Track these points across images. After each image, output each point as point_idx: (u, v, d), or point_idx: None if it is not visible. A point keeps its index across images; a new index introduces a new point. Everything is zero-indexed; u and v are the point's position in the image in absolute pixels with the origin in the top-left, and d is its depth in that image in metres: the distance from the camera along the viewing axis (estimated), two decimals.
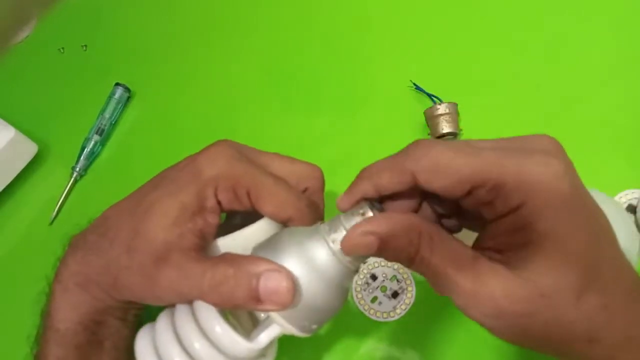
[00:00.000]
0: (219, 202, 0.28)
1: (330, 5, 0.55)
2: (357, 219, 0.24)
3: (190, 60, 0.54)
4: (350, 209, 0.24)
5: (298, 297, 0.24)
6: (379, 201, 0.25)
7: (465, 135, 0.45)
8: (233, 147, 0.29)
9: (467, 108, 0.45)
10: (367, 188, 0.24)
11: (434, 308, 0.39)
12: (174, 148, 0.50)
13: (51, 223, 0.48)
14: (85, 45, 0.57)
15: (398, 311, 0.39)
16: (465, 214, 0.25)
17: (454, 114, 0.44)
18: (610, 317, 0.20)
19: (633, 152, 0.43)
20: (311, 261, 0.24)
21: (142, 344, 0.28)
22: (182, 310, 0.27)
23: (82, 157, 0.49)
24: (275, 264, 0.24)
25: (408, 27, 0.52)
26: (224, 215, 0.30)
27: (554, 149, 0.22)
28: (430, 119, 0.44)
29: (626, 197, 0.40)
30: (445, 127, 0.44)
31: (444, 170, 0.22)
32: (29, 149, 0.48)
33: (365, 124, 0.48)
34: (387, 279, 0.40)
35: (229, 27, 0.56)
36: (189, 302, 0.27)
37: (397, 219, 0.22)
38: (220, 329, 0.25)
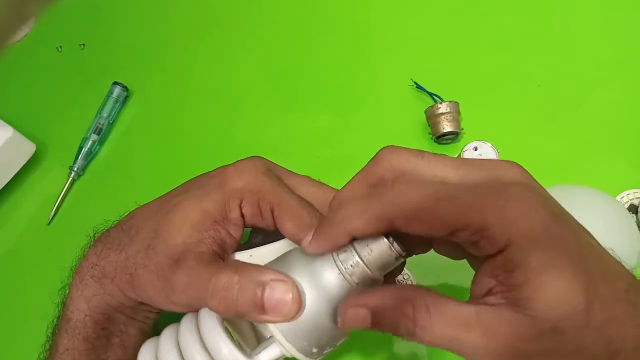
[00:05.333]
0: (243, 216, 0.28)
1: (330, 4, 0.54)
2: (369, 241, 0.23)
3: (188, 59, 0.54)
4: (329, 250, 0.24)
5: (302, 311, 0.23)
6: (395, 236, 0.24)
7: (466, 135, 0.45)
8: (265, 164, 0.29)
9: (469, 107, 0.45)
10: (339, 235, 0.23)
11: None
12: (172, 147, 0.50)
13: (49, 223, 0.47)
14: (84, 44, 0.56)
15: None
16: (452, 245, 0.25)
17: (455, 113, 0.44)
18: (621, 326, 0.20)
19: (634, 152, 0.43)
20: (318, 280, 0.24)
21: (144, 354, 0.27)
22: (186, 322, 0.27)
23: (80, 157, 0.49)
24: (283, 274, 0.24)
25: (409, 26, 0.52)
26: (247, 233, 0.31)
27: (523, 177, 0.22)
28: (431, 118, 0.44)
29: (628, 197, 0.40)
30: (447, 127, 0.43)
31: (425, 217, 0.21)
32: (27, 149, 0.48)
33: (365, 123, 0.48)
34: None
35: (228, 26, 0.55)
36: (197, 311, 0.27)
37: (387, 292, 0.22)
38: (223, 344, 0.25)
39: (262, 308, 0.24)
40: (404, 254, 0.24)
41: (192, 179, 0.31)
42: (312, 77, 0.51)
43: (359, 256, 0.24)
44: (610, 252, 0.22)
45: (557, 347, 0.19)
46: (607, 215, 0.37)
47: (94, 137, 0.50)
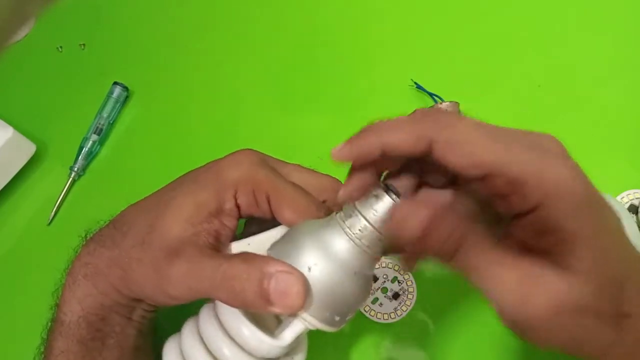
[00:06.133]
0: (237, 206, 0.28)
1: (330, 4, 0.54)
2: (372, 202, 0.23)
3: (189, 59, 0.54)
4: (356, 183, 0.24)
5: (310, 299, 0.23)
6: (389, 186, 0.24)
7: None
8: (257, 155, 0.29)
9: (469, 107, 0.45)
10: (372, 143, 0.22)
11: (435, 310, 0.39)
12: (172, 147, 0.50)
13: (49, 223, 0.47)
14: (84, 44, 0.56)
15: (399, 312, 0.38)
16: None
17: (455, 113, 0.44)
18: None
19: (635, 153, 0.43)
20: (329, 250, 0.24)
21: (169, 352, 0.27)
22: (204, 313, 0.27)
23: (80, 157, 0.49)
24: (289, 266, 0.23)
25: (409, 25, 0.52)
26: (241, 223, 0.30)
27: (562, 150, 0.22)
28: None
29: (628, 197, 0.40)
30: None
31: (466, 149, 0.21)
32: (27, 149, 0.48)
33: (366, 123, 0.47)
34: (388, 280, 0.39)
35: (228, 26, 0.55)
36: (207, 301, 0.27)
37: (441, 206, 0.22)
38: (245, 328, 0.25)
39: (267, 299, 0.23)
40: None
41: (185, 174, 0.31)
42: (312, 77, 0.51)
43: (365, 219, 0.24)
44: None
45: (584, 320, 0.20)
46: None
47: (94, 137, 0.50)
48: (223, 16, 0.56)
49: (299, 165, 0.31)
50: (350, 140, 0.23)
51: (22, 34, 0.57)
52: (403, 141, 0.22)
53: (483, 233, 0.21)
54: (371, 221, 0.24)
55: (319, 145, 0.47)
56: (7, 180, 0.47)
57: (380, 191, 0.24)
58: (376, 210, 0.24)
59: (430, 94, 0.46)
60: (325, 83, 0.50)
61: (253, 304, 0.24)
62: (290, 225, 0.28)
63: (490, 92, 0.47)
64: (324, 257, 0.23)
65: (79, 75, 0.55)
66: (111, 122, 0.51)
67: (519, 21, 0.50)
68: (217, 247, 0.28)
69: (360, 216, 0.24)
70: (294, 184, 0.29)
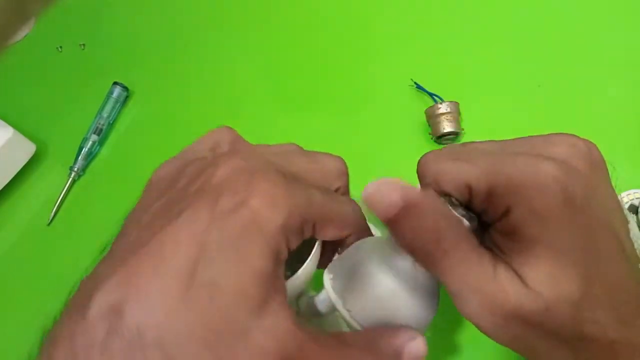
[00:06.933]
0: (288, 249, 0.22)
1: (331, 4, 0.54)
2: None
3: (189, 59, 0.54)
4: None
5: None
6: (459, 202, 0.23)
7: (467, 134, 0.45)
8: (276, 171, 0.22)
9: (469, 107, 0.45)
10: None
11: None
12: (172, 147, 0.50)
13: (49, 223, 0.47)
14: (84, 44, 0.56)
15: None
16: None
17: (456, 113, 0.44)
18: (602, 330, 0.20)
19: (635, 152, 0.43)
20: (405, 278, 0.22)
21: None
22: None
23: (80, 157, 0.49)
24: (412, 331, 0.22)
25: (409, 26, 0.52)
26: None
27: (563, 152, 0.21)
28: (431, 118, 0.44)
29: (628, 197, 0.40)
30: (447, 127, 0.43)
31: (444, 178, 0.22)
32: (27, 149, 0.48)
33: (365, 123, 0.48)
34: None
35: (228, 26, 0.55)
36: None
37: (433, 195, 0.21)
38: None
39: None
40: (474, 219, 0.23)
41: (177, 223, 0.20)
42: (312, 78, 0.51)
43: None
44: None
45: (543, 325, 0.19)
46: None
47: (94, 137, 0.50)
48: (223, 16, 0.56)
49: (296, 146, 0.28)
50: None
51: (22, 34, 0.57)
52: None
53: (463, 232, 0.21)
54: None
55: (319, 145, 0.47)
56: (7, 181, 0.47)
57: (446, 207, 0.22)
58: None
59: (430, 94, 0.46)
60: (325, 83, 0.50)
61: None
62: (332, 239, 0.25)
63: (490, 92, 0.47)
64: (399, 285, 0.22)
65: (79, 75, 0.55)
66: (111, 122, 0.51)
67: (519, 21, 0.50)
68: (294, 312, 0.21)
69: None
70: (331, 196, 0.24)
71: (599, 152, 0.22)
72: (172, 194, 0.22)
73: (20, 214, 0.49)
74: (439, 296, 0.24)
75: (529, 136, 0.23)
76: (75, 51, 0.56)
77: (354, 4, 0.54)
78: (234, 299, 0.18)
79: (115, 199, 0.48)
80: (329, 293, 0.24)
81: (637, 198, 0.40)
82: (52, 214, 0.47)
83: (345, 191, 0.27)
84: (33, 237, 0.47)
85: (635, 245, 0.36)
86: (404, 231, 0.21)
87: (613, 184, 0.22)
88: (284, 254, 0.21)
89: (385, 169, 0.45)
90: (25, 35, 0.57)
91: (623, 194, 0.40)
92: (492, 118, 0.46)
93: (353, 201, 0.26)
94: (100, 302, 0.18)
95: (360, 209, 0.26)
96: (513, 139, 0.23)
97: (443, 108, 0.43)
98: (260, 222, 0.20)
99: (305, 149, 0.28)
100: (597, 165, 0.22)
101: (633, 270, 0.21)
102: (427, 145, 0.45)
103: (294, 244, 0.22)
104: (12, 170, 0.47)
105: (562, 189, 0.19)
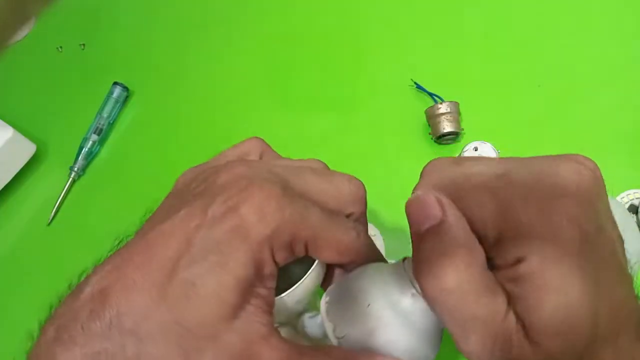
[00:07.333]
0: (275, 264, 0.22)
1: (331, 4, 0.54)
2: None
3: (188, 59, 0.54)
4: None
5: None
6: None
7: (466, 135, 0.45)
8: (275, 182, 0.22)
9: (469, 107, 0.45)
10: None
11: None
12: (172, 147, 0.50)
13: (49, 223, 0.47)
14: (84, 44, 0.56)
15: None
16: None
17: (456, 113, 0.44)
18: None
19: (635, 152, 0.43)
20: (402, 313, 0.21)
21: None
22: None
23: (80, 157, 0.49)
24: (389, 358, 0.21)
25: (409, 26, 0.52)
26: None
27: (572, 182, 0.19)
28: (431, 118, 0.44)
29: (628, 197, 0.40)
30: (447, 127, 0.43)
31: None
32: (27, 149, 0.48)
33: (365, 123, 0.48)
34: None
35: (228, 26, 0.55)
36: None
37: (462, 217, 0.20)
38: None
39: None
40: None
41: (170, 222, 0.21)
42: (312, 77, 0.51)
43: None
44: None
45: None
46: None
47: (94, 137, 0.50)
48: (223, 16, 0.56)
49: (311, 166, 0.26)
50: None
51: (22, 34, 0.57)
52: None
53: (483, 263, 0.20)
54: None
55: (319, 145, 0.47)
56: (7, 180, 0.47)
57: None
58: None
59: (430, 94, 0.46)
60: (325, 83, 0.50)
61: None
62: (330, 262, 0.25)
63: (490, 92, 0.47)
64: (399, 321, 0.21)
65: (79, 75, 0.55)
66: (111, 122, 0.51)
67: (519, 21, 0.50)
68: (273, 321, 0.22)
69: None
70: (330, 216, 0.23)
71: (599, 170, 0.21)
72: (182, 194, 0.23)
73: (20, 214, 0.49)
74: (441, 338, 0.22)
75: (530, 160, 0.21)
76: (75, 51, 0.56)
77: (354, 4, 0.54)
78: (208, 301, 0.19)
79: (115, 199, 0.48)
80: (322, 316, 0.23)
81: (637, 198, 0.40)
82: (52, 214, 0.47)
83: (359, 217, 0.26)
84: (33, 237, 0.47)
85: (636, 246, 0.36)
86: (432, 246, 0.20)
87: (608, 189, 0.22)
88: (270, 266, 0.21)
89: (385, 169, 0.45)
90: (25, 35, 0.57)
91: (623, 194, 0.40)
92: (492, 118, 0.46)
93: (363, 230, 0.25)
94: (92, 285, 0.20)
95: (369, 240, 0.25)
96: (514, 164, 0.21)
97: (443, 108, 0.43)
98: (246, 230, 0.20)
99: (329, 168, 0.27)
100: (602, 188, 0.20)
101: (632, 291, 0.20)
102: (427, 145, 0.45)
103: (282, 258, 0.22)
104: (13, 170, 0.47)
105: (579, 229, 0.18)
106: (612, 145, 0.43)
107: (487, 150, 0.43)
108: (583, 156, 0.21)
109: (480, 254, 0.19)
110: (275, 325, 0.22)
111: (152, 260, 0.20)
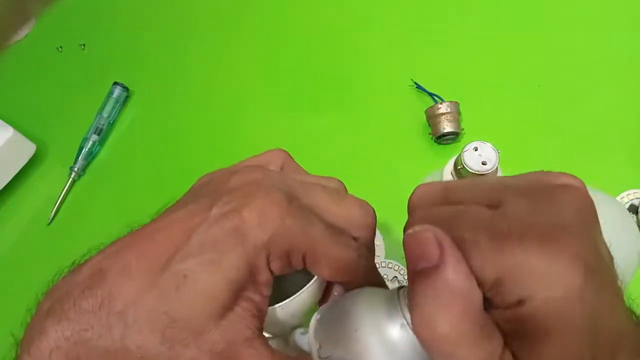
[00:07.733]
0: (271, 272, 0.22)
1: (331, 5, 0.54)
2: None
3: (189, 59, 0.54)
4: None
5: None
6: None
7: (466, 135, 0.45)
8: (283, 191, 0.22)
9: (469, 107, 0.45)
10: None
11: None
12: (172, 147, 0.50)
13: (49, 223, 0.47)
14: (84, 44, 0.56)
15: None
16: None
17: (456, 113, 0.44)
18: None
19: (635, 153, 0.43)
20: (389, 342, 0.21)
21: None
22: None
23: (80, 157, 0.49)
24: None
25: (409, 26, 0.52)
26: None
27: (570, 211, 0.19)
28: (432, 118, 0.44)
29: (628, 197, 0.40)
30: (447, 127, 0.43)
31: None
32: (27, 149, 0.48)
33: (366, 123, 0.48)
34: (388, 280, 0.39)
35: (229, 26, 0.55)
36: None
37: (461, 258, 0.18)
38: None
39: None
40: None
41: (179, 213, 0.22)
42: (312, 78, 0.51)
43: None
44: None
45: None
46: (607, 216, 0.37)
47: (94, 137, 0.50)
48: (223, 16, 0.56)
49: (327, 184, 0.26)
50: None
51: (22, 34, 0.57)
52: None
53: (478, 303, 0.18)
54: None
55: (318, 145, 0.47)
56: (7, 180, 0.47)
57: None
58: None
59: (430, 94, 0.46)
60: (326, 83, 0.50)
61: None
62: (328, 279, 0.24)
63: (490, 92, 0.47)
64: (385, 351, 0.20)
65: (79, 75, 0.55)
66: (111, 122, 0.51)
67: (519, 22, 0.50)
68: (262, 327, 0.23)
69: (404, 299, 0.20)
70: (330, 231, 0.23)
71: (585, 187, 0.20)
72: (196, 192, 0.24)
73: (20, 213, 0.49)
74: None
75: (523, 186, 0.20)
76: (75, 51, 0.56)
77: (354, 4, 0.54)
78: (197, 296, 0.20)
79: (115, 199, 0.48)
80: (309, 334, 0.23)
81: (637, 198, 0.40)
82: (52, 214, 0.47)
83: (365, 243, 0.26)
84: (33, 237, 0.47)
85: (636, 246, 0.36)
86: (426, 292, 0.18)
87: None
88: (265, 273, 0.22)
89: (385, 169, 0.45)
90: (26, 35, 0.57)
91: (623, 194, 0.40)
92: (492, 118, 0.46)
93: (366, 252, 0.25)
94: (92, 264, 0.21)
95: (372, 263, 0.25)
96: (507, 194, 0.20)
97: (443, 108, 0.43)
98: (244, 232, 0.21)
99: (346, 189, 0.27)
100: (594, 209, 0.20)
101: (626, 310, 0.19)
102: (427, 145, 0.45)
103: (277, 266, 0.22)
104: (13, 170, 0.47)
105: (583, 265, 0.17)
106: (612, 145, 0.43)
107: (487, 150, 0.43)
108: (572, 176, 0.20)
109: (477, 298, 0.18)
110: (268, 335, 0.22)
111: (151, 249, 0.21)
